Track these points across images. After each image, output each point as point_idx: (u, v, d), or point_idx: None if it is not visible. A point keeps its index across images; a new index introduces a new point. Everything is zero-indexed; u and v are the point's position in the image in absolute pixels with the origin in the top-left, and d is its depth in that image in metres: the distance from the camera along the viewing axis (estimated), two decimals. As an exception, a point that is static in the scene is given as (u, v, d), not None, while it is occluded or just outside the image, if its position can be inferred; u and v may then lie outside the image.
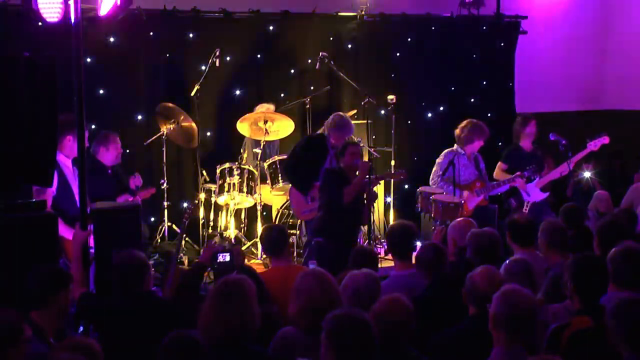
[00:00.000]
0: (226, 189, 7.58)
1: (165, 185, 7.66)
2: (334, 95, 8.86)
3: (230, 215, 7.77)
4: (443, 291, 4.40)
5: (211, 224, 7.88)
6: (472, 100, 9.44)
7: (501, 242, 4.92)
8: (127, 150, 7.51)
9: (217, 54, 7.69)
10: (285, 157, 7.56)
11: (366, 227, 7.24)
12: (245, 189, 7.61)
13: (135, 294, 4.21)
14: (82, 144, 4.89)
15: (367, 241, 7.29)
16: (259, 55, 8.69)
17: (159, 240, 7.71)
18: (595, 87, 10.32)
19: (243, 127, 7.80)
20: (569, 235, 5.13)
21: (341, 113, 7.25)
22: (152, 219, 8.18)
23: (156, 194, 7.57)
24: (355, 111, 8.37)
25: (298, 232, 7.51)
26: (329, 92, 8.68)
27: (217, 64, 7.76)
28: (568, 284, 3.92)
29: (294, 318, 3.76)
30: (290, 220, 7.72)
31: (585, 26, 10.23)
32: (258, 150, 7.74)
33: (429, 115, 9.35)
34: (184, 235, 7.09)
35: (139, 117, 8.30)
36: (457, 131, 7.62)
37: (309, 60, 8.63)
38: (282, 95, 8.70)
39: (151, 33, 8.26)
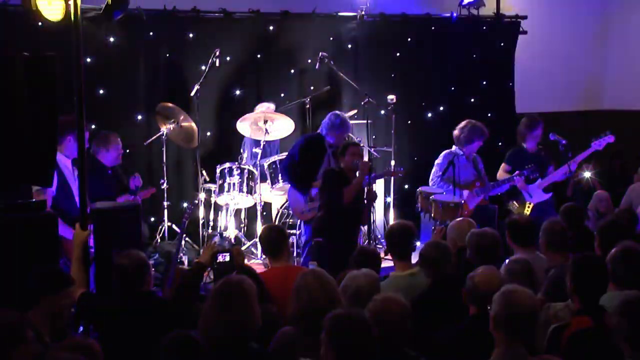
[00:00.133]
0: (226, 188, 7.58)
1: (165, 185, 7.66)
2: (334, 95, 8.86)
3: (230, 215, 7.77)
4: (445, 291, 4.40)
5: (211, 224, 7.88)
6: (472, 100, 9.44)
7: (501, 242, 4.92)
8: (127, 150, 7.51)
9: (217, 53, 7.69)
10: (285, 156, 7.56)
11: (366, 227, 7.24)
12: (245, 189, 7.61)
13: (135, 294, 4.21)
14: (82, 144, 4.89)
15: (367, 241, 7.29)
16: (258, 55, 8.69)
17: (159, 240, 7.71)
18: (595, 87, 10.33)
19: (243, 127, 7.80)
20: (569, 236, 5.12)
21: (338, 112, 7.24)
22: (152, 219, 8.18)
23: (156, 194, 7.57)
24: (355, 111, 8.36)
25: (298, 232, 7.51)
26: (329, 92, 8.67)
27: (217, 64, 7.76)
28: (568, 284, 3.92)
29: (294, 318, 3.76)
30: (290, 220, 7.72)
31: (585, 26, 10.23)
32: (258, 150, 7.74)
33: (429, 115, 9.35)
34: (184, 235, 7.09)
35: (139, 117, 8.30)
36: (455, 132, 7.62)
37: (309, 60, 8.63)
38: (282, 95, 8.70)
39: (151, 33, 8.26)
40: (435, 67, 9.28)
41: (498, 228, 6.07)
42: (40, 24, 6.97)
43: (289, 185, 7.32)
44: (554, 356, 3.46)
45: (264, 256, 7.24)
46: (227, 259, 4.76)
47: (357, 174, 6.46)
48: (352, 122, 8.40)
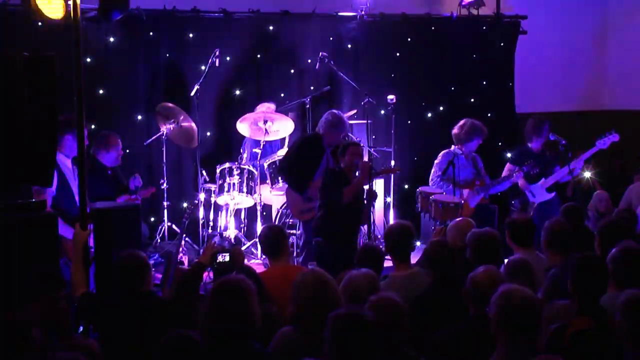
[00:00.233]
0: (226, 188, 7.59)
1: (165, 185, 7.66)
2: (334, 95, 8.86)
3: (230, 215, 7.77)
4: (447, 290, 4.39)
5: (211, 224, 7.88)
6: (472, 100, 9.44)
7: (501, 242, 4.92)
8: (127, 150, 7.51)
9: (217, 53, 7.68)
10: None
11: (366, 227, 7.24)
12: (245, 189, 7.61)
13: (135, 294, 4.20)
14: (81, 144, 4.89)
15: (366, 241, 7.28)
16: (258, 55, 8.69)
17: (159, 240, 7.71)
18: (595, 87, 10.33)
19: (243, 127, 7.80)
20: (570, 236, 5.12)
21: (335, 111, 7.23)
22: (152, 219, 8.18)
23: (156, 194, 7.58)
24: (355, 111, 8.37)
25: (298, 232, 7.51)
26: (329, 92, 8.67)
27: (217, 64, 7.76)
28: (568, 284, 3.92)
29: (294, 318, 3.76)
30: (290, 220, 7.71)
31: (585, 26, 10.23)
32: (258, 150, 7.74)
33: (429, 115, 9.35)
34: (184, 235, 7.09)
35: (139, 117, 8.31)
36: (455, 130, 7.62)
37: (309, 60, 8.63)
38: (282, 95, 8.70)
39: (151, 33, 8.27)
40: (435, 67, 9.28)
41: (498, 228, 6.07)
42: (40, 24, 7.02)
43: (287, 185, 7.31)
44: (555, 356, 3.45)
45: (264, 256, 7.24)
46: (227, 259, 4.76)
47: (357, 173, 6.46)
48: (352, 122, 8.42)
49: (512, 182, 7.60)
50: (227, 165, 7.65)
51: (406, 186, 9.10)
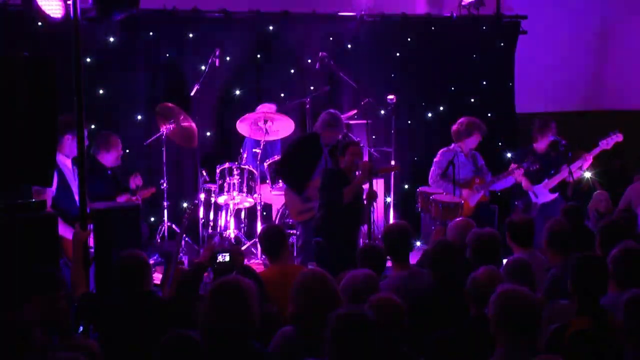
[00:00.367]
0: (226, 188, 7.58)
1: (165, 185, 7.66)
2: (334, 95, 8.86)
3: (230, 215, 7.77)
4: (449, 290, 4.39)
5: (211, 224, 7.88)
6: (472, 100, 9.44)
7: (501, 242, 4.92)
8: (127, 150, 7.51)
9: (217, 53, 7.68)
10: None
11: (366, 227, 7.23)
12: (245, 189, 7.61)
13: (135, 293, 4.21)
14: (81, 144, 4.89)
15: (367, 241, 7.28)
16: (258, 55, 8.69)
17: (159, 240, 7.71)
18: (595, 87, 10.32)
19: (243, 127, 7.80)
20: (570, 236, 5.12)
21: (332, 110, 7.22)
22: (152, 219, 8.18)
23: (156, 194, 7.57)
24: (355, 111, 8.37)
25: (297, 232, 7.51)
26: (329, 92, 8.67)
27: (217, 64, 7.76)
28: (569, 284, 3.92)
29: (293, 318, 3.76)
30: (290, 220, 7.72)
31: (585, 26, 10.23)
32: (258, 151, 7.74)
33: (429, 115, 9.35)
34: (184, 235, 7.09)
35: (139, 117, 8.31)
36: (454, 127, 7.61)
37: (309, 60, 8.63)
38: (282, 95, 8.70)
39: (151, 33, 8.27)
40: (435, 67, 9.27)
41: (498, 228, 6.07)
42: (40, 24, 7.02)
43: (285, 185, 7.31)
44: (555, 356, 3.45)
45: (264, 256, 7.24)
46: (227, 259, 4.76)
47: (357, 173, 6.46)
48: (352, 122, 8.43)
49: (513, 180, 7.57)
50: (227, 165, 7.65)
51: (406, 186, 9.10)
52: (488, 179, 7.61)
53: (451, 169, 7.10)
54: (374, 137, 8.55)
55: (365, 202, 6.64)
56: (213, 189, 7.77)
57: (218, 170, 7.66)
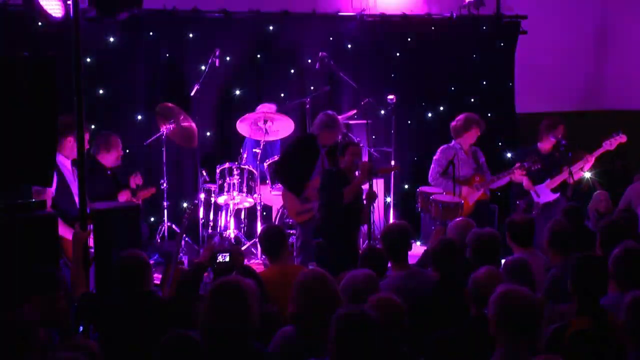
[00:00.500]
0: (226, 188, 7.59)
1: (165, 185, 7.66)
2: (334, 95, 8.86)
3: (230, 215, 7.77)
4: (452, 290, 4.38)
5: (211, 224, 7.88)
6: (472, 100, 9.44)
7: (501, 242, 4.92)
8: (127, 150, 7.51)
9: (217, 53, 7.68)
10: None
11: (366, 227, 7.23)
12: (245, 189, 7.60)
13: (135, 293, 4.20)
14: (81, 144, 4.89)
15: (367, 241, 7.28)
16: (258, 55, 8.69)
17: (159, 240, 7.71)
18: (595, 87, 10.32)
19: (243, 127, 7.80)
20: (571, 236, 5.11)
21: (329, 111, 7.21)
22: (152, 219, 8.18)
23: (156, 194, 7.57)
24: (355, 111, 8.37)
25: (297, 232, 7.50)
26: (329, 92, 8.68)
27: (217, 64, 7.76)
28: (569, 284, 3.92)
29: (294, 317, 3.76)
30: (290, 220, 7.72)
31: (585, 26, 10.22)
32: (258, 151, 7.74)
33: (429, 115, 9.35)
34: (184, 235, 7.09)
35: (139, 117, 8.31)
36: (452, 123, 7.61)
37: (309, 60, 8.64)
38: (282, 95, 8.70)
39: (151, 33, 8.27)
40: (435, 66, 9.27)
41: (498, 228, 6.07)
42: (40, 24, 7.01)
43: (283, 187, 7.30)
44: (555, 356, 3.45)
45: (264, 256, 7.24)
46: (227, 259, 4.76)
47: (357, 173, 6.46)
48: (352, 122, 8.43)
49: (508, 179, 7.55)
50: (227, 165, 7.65)
51: (406, 186, 9.10)
52: (488, 177, 7.59)
53: (451, 169, 7.09)
54: (374, 137, 8.55)
55: (365, 202, 6.64)
56: (213, 189, 7.77)
57: (218, 170, 7.66)
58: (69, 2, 4.86)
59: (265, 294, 4.41)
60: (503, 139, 9.38)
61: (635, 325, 3.38)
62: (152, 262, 5.96)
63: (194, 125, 7.63)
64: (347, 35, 8.95)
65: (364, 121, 7.94)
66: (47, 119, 4.68)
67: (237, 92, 8.64)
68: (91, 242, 4.96)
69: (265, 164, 7.73)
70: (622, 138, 7.39)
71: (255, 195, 7.69)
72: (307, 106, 8.24)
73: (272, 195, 7.88)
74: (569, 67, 10.12)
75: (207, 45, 8.11)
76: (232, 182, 7.57)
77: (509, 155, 9.17)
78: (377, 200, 7.46)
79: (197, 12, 8.35)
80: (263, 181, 7.75)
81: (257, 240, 7.31)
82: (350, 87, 8.50)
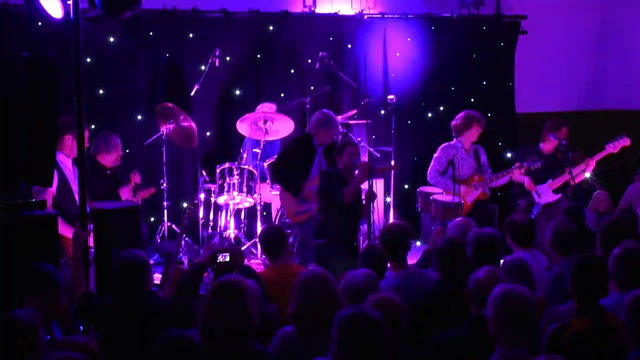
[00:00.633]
0: (226, 188, 7.59)
1: (165, 185, 7.66)
2: (334, 95, 8.86)
3: (230, 215, 7.77)
4: (450, 290, 4.38)
5: (211, 224, 7.88)
6: (472, 100, 9.43)
7: (501, 241, 4.92)
8: (127, 150, 7.51)
9: (217, 54, 7.68)
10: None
11: (366, 227, 7.23)
12: (245, 189, 7.61)
13: (135, 293, 4.21)
14: (81, 144, 4.89)
15: (367, 241, 7.28)
16: (258, 55, 8.69)
17: (159, 240, 7.71)
18: (595, 87, 10.32)
19: (243, 127, 7.80)
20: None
21: (325, 110, 7.21)
22: (152, 219, 8.18)
23: (156, 194, 7.58)
24: (355, 111, 8.36)
25: (294, 233, 7.50)
26: (329, 92, 8.68)
27: (217, 64, 7.76)
28: (569, 284, 3.92)
29: (294, 317, 3.76)
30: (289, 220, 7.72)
31: (585, 26, 10.22)
32: (258, 150, 7.74)
33: (429, 115, 9.35)
34: (184, 235, 7.09)
35: (139, 117, 8.32)
36: (453, 122, 7.60)
37: (309, 60, 8.63)
38: (282, 95, 8.70)
39: (151, 33, 8.28)
40: (435, 67, 9.27)
41: (498, 228, 6.06)
42: (40, 24, 7.02)
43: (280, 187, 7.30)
44: (554, 356, 3.45)
45: (264, 256, 7.24)
46: (227, 259, 4.76)
47: (356, 173, 6.46)
48: (352, 122, 8.42)
49: (508, 178, 7.54)
50: (227, 165, 7.65)
51: (406, 186, 9.10)
52: (488, 176, 7.57)
53: (451, 169, 7.08)
54: (374, 137, 8.55)
55: (364, 202, 6.63)
56: (213, 189, 7.77)
57: (218, 170, 7.66)
58: (69, 2, 4.86)
59: (265, 294, 4.41)
60: (503, 139, 9.37)
61: (635, 325, 3.37)
62: (152, 262, 5.97)
63: (194, 125, 7.64)
64: (347, 35, 8.95)
65: (364, 121, 7.94)
66: (47, 119, 4.68)
67: (237, 92, 8.64)
68: (91, 242, 4.96)
69: (265, 164, 7.73)
70: (626, 141, 7.35)
71: (255, 195, 7.68)
72: (307, 106, 8.23)
73: (272, 195, 7.88)
74: (569, 67, 10.12)
75: (207, 45, 8.11)
76: (232, 182, 7.57)
77: (509, 155, 9.17)
78: (376, 200, 7.47)
79: (197, 12, 8.35)
80: (263, 181, 7.75)
81: (257, 240, 7.31)
82: (350, 87, 8.50)
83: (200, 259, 4.77)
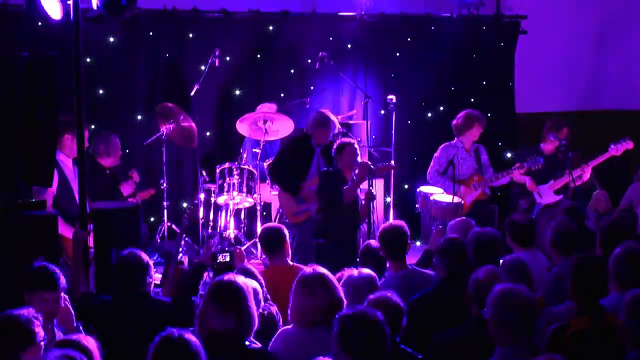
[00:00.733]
0: (226, 188, 7.59)
1: (165, 185, 7.66)
2: (334, 95, 8.86)
3: (230, 215, 7.77)
4: (450, 290, 4.38)
5: (211, 224, 7.88)
6: (472, 100, 9.43)
7: (501, 241, 4.92)
8: (127, 150, 7.52)
9: (217, 53, 7.69)
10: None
11: (366, 227, 7.23)
12: (245, 189, 7.60)
13: (135, 293, 4.20)
14: (81, 143, 4.89)
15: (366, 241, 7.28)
16: (258, 55, 8.70)
17: (159, 240, 7.71)
18: (595, 87, 10.32)
19: (243, 127, 7.80)
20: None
21: (322, 110, 7.21)
22: (152, 219, 8.19)
23: (156, 194, 7.58)
24: (355, 111, 8.37)
25: (293, 233, 7.50)
26: (329, 92, 8.68)
27: (217, 64, 7.76)
28: (569, 284, 3.92)
29: (294, 317, 3.76)
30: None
31: (585, 26, 10.23)
32: (258, 150, 7.74)
33: (429, 115, 9.35)
34: (184, 235, 7.09)
35: (139, 117, 8.32)
36: (454, 122, 7.59)
37: (309, 60, 8.64)
38: (282, 95, 8.70)
39: (151, 33, 8.28)
40: (435, 67, 9.27)
41: (498, 228, 6.06)
42: (40, 24, 7.02)
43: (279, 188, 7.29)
44: (554, 356, 3.45)
45: (264, 256, 7.24)
46: (227, 259, 4.76)
47: (356, 172, 6.45)
48: (352, 122, 8.42)
49: (508, 179, 7.53)
50: (227, 165, 7.65)
51: (406, 186, 9.10)
52: (487, 176, 7.56)
53: (451, 170, 7.07)
54: (374, 137, 8.55)
55: (363, 202, 6.63)
56: (213, 189, 7.77)
57: (218, 170, 7.66)
58: (69, 2, 4.86)
59: (265, 294, 4.41)
60: (503, 139, 9.37)
61: (635, 325, 3.37)
62: (152, 262, 5.97)
63: (193, 125, 7.64)
64: (347, 35, 8.95)
65: (364, 121, 7.94)
66: (48, 119, 4.68)
67: (237, 92, 8.64)
68: (91, 242, 4.96)
69: (265, 164, 7.73)
70: (629, 144, 7.31)
71: (255, 195, 7.68)
72: (307, 106, 8.23)
73: (272, 195, 7.88)
74: (569, 67, 10.12)
75: (207, 45, 8.11)
76: (232, 182, 7.57)
77: (509, 155, 9.17)
78: (376, 200, 7.47)
79: (197, 12, 8.36)
80: (263, 180, 7.75)
81: (257, 240, 7.31)
82: (350, 87, 8.50)
83: (200, 258, 4.77)
